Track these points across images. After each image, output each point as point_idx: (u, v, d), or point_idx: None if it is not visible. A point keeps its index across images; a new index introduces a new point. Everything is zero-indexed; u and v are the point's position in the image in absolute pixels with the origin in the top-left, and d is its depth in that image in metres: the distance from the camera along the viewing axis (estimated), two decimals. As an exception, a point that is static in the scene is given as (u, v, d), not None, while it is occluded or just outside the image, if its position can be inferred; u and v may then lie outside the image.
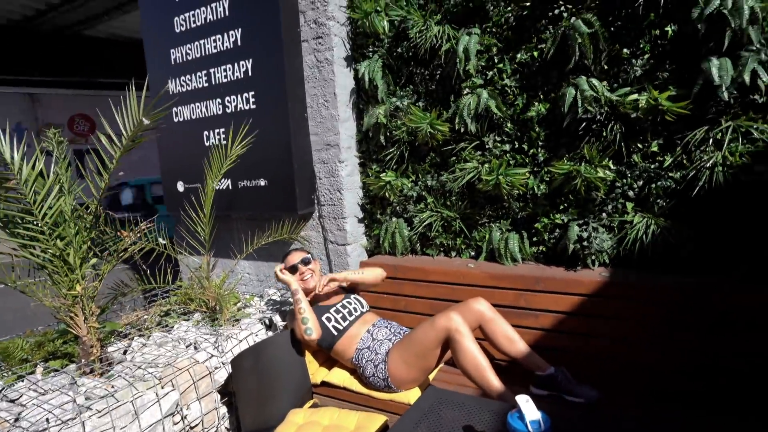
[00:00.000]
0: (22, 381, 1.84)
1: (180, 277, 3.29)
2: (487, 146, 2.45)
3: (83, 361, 1.93)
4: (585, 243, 2.21)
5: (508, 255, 2.42)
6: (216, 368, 2.03)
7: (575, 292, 2.12)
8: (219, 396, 2.03)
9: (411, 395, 2.05)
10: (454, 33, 2.41)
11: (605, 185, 2.17)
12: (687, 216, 2.04)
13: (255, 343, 1.95)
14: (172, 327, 2.41)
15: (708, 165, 1.94)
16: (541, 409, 1.18)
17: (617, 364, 2.01)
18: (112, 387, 1.83)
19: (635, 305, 2.00)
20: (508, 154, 2.42)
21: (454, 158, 2.56)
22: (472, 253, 2.60)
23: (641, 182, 2.12)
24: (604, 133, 2.15)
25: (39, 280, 1.99)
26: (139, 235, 2.19)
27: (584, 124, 2.18)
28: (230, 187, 2.95)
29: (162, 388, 1.87)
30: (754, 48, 1.84)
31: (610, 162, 2.16)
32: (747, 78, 1.83)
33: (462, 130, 2.44)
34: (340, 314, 2.23)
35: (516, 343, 2.04)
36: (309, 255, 2.35)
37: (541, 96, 2.31)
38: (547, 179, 2.32)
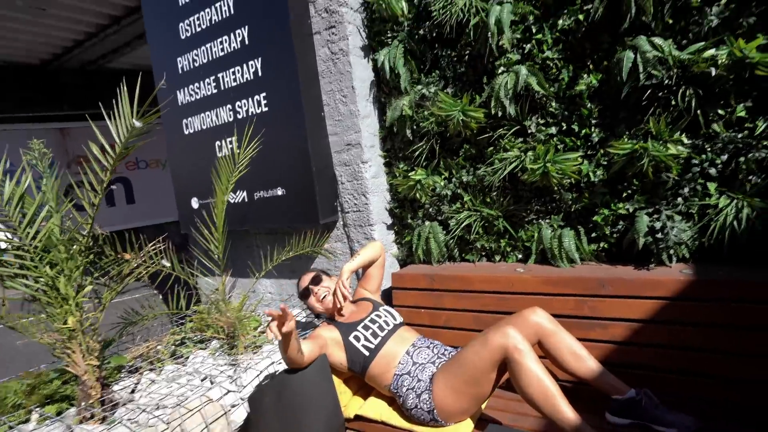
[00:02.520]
0: None
1: (195, 301, 3.06)
2: (529, 131, 2.12)
3: (82, 404, 1.69)
4: (659, 235, 1.83)
5: (564, 255, 2.06)
6: (233, 406, 1.76)
7: (652, 296, 1.75)
8: (236, 439, 1.75)
9: (462, 429, 1.71)
10: (482, 4, 2.10)
11: (678, 164, 1.80)
12: (792, 193, 1.65)
13: (277, 374, 1.67)
14: (187, 357, 2.16)
15: (815, 128, 1.55)
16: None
17: (715, 383, 1.62)
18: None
19: (729, 308, 1.61)
20: (555, 138, 2.07)
21: (491, 148, 2.23)
22: (520, 256, 2.25)
23: (726, 156, 1.74)
24: (674, 102, 1.78)
25: (35, 314, 1.78)
26: (144, 257, 1.95)
27: (648, 92, 1.82)
28: (246, 200, 2.71)
29: (170, 433, 1.61)
30: None
31: (684, 135, 1.79)
32: None
33: (499, 114, 2.11)
34: (370, 330, 1.93)
35: (585, 360, 1.69)
36: (319, 273, 2.10)
37: (591, 66, 1.97)
38: (605, 163, 1.96)
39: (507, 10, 2.02)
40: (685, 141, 1.79)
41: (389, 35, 2.43)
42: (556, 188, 2.06)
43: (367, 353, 1.88)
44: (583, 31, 1.95)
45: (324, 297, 2.03)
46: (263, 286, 2.91)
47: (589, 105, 1.97)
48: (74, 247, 1.71)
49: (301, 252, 2.44)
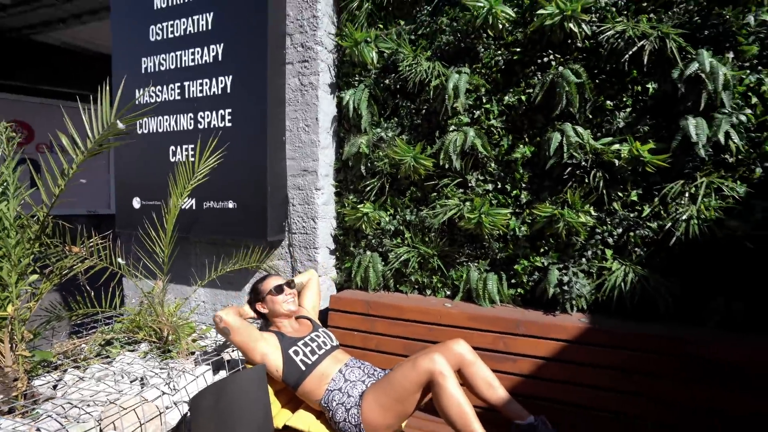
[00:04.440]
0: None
1: (123, 302, 2.97)
2: (470, 184, 2.43)
3: (1, 397, 1.63)
4: (565, 287, 2.19)
5: (486, 296, 2.36)
6: (168, 407, 1.78)
7: (556, 338, 2.07)
8: (168, 440, 1.77)
9: (384, 443, 1.88)
10: (443, 70, 2.42)
11: (586, 231, 2.19)
12: (664, 266, 2.08)
13: (217, 380, 1.73)
14: (114, 358, 2.12)
15: (684, 217, 2.00)
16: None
17: (599, 414, 1.96)
18: (38, 430, 1.54)
19: (615, 353, 1.97)
20: (490, 194, 2.41)
21: (435, 194, 2.52)
22: (448, 292, 2.52)
23: (620, 230, 2.15)
24: (587, 180, 2.18)
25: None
26: (91, 250, 1.94)
27: (569, 169, 2.21)
28: (194, 207, 2.74)
29: (101, 431, 1.60)
30: (727, 111, 1.96)
31: (592, 208, 2.19)
32: (722, 138, 1.93)
33: (446, 166, 2.41)
34: (309, 348, 2.06)
35: (496, 390, 1.95)
36: (290, 280, 2.23)
37: (527, 139, 2.34)
38: (529, 221, 2.32)
39: (464, 79, 2.36)
40: (593, 213, 2.19)
41: (357, 78, 2.68)
42: (486, 237, 2.38)
43: (303, 368, 2.00)
44: (524, 109, 2.33)
45: (291, 302, 2.15)
46: (197, 294, 2.91)
47: (521, 171, 2.33)
48: (25, 233, 1.68)
49: (245, 266, 2.52)
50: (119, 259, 2.08)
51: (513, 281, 2.39)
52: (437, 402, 1.78)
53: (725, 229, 1.94)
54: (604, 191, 2.16)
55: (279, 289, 2.16)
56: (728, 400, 1.79)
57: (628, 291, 2.09)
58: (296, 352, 2.02)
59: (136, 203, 2.92)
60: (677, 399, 1.85)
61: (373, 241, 2.65)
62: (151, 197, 2.87)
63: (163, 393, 1.80)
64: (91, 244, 2.08)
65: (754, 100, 1.95)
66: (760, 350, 1.78)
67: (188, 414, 1.78)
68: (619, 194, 2.16)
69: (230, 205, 2.65)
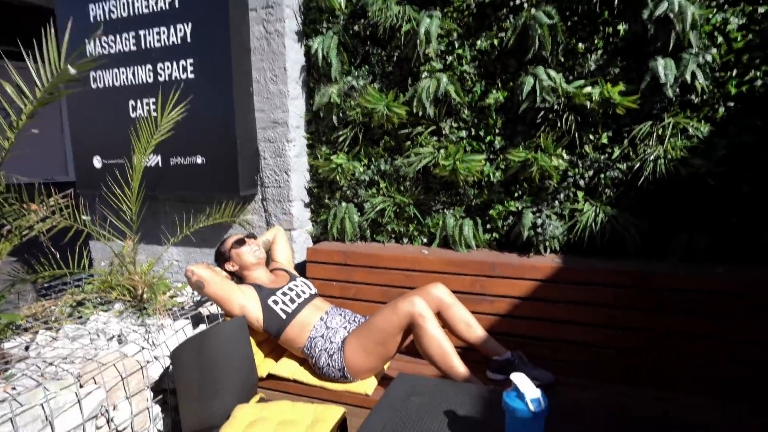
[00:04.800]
0: None
1: (92, 264, 2.88)
2: (444, 132, 2.42)
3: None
4: (539, 230, 2.25)
5: (463, 241, 2.40)
6: (148, 362, 1.77)
7: (530, 278, 2.15)
8: (152, 394, 1.76)
9: (368, 385, 1.94)
10: (414, 14, 2.35)
11: (558, 174, 2.23)
12: (632, 205, 2.16)
13: (197, 333, 1.72)
14: (87, 318, 2.07)
15: (651, 158, 2.06)
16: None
17: (571, 346, 2.06)
18: (14, 389, 1.51)
19: (586, 289, 2.06)
20: (464, 141, 2.41)
21: (409, 142, 2.50)
22: (425, 240, 2.56)
23: (591, 172, 2.21)
24: (559, 124, 2.21)
25: None
26: (53, 209, 1.85)
27: (541, 113, 2.22)
28: (160, 165, 2.63)
29: (81, 387, 1.58)
30: (694, 51, 1.99)
31: (564, 152, 2.22)
32: (688, 77, 1.97)
33: (420, 114, 2.38)
34: (288, 297, 2.06)
35: (474, 329, 2.02)
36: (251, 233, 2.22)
37: (500, 84, 2.33)
38: (503, 167, 2.34)
39: (435, 23, 2.30)
40: (565, 156, 2.23)
41: (325, 25, 2.57)
42: (461, 184, 2.39)
43: (284, 317, 2.01)
44: (496, 54, 2.30)
45: (256, 251, 2.13)
46: (170, 253, 2.84)
47: (495, 116, 2.33)
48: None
49: (220, 221, 2.46)
50: (84, 217, 1.99)
51: (488, 226, 2.43)
52: (418, 343, 1.83)
53: (689, 167, 2.01)
54: (576, 134, 2.19)
55: (240, 242, 2.15)
56: (686, 323, 1.92)
57: (598, 230, 2.17)
58: (275, 302, 2.02)
59: (97, 162, 2.77)
60: (643, 326, 1.97)
61: (348, 192, 2.63)
62: (112, 155, 2.73)
63: (143, 348, 1.78)
64: (51, 202, 1.97)
65: (720, 39, 1.99)
66: (713, 278, 1.90)
67: (170, 367, 1.77)
68: (591, 137, 2.20)
69: (199, 160, 2.56)
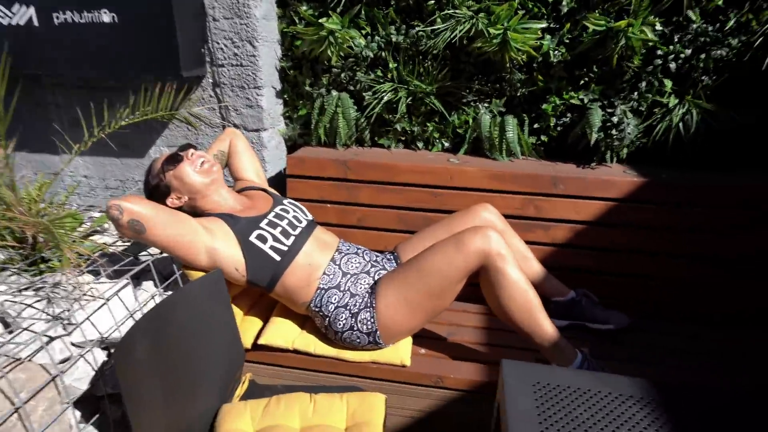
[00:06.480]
0: None
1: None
2: (487, -14, 1.66)
3: None
4: (614, 131, 1.68)
5: (504, 147, 1.78)
6: (65, 361, 1.05)
7: (602, 197, 1.62)
8: (77, 414, 1.07)
9: (402, 351, 1.39)
10: None
11: (641, 53, 1.62)
12: (738, 99, 1.62)
13: (149, 311, 1.00)
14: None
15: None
16: None
17: (650, 284, 1.63)
18: None
19: (668, 212, 1.59)
20: (516, 0, 1.67)
21: (433, 2, 1.71)
22: (447, 145, 1.90)
23: (690, 51, 1.61)
24: (659, -24, 1.54)
25: None
26: None
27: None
28: (36, 23, 1.64)
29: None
30: None
31: (658, 20, 1.59)
32: None
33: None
34: (279, 228, 1.38)
35: (531, 263, 1.55)
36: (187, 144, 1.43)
37: None
38: (567, 41, 1.67)
39: None
40: (657, 27, 1.59)
41: None
42: (507, 66, 1.71)
43: (278, 258, 1.34)
44: None
45: (203, 163, 1.37)
46: (73, 167, 1.94)
47: (564, -37, 1.60)
48: None
49: (152, 116, 1.59)
50: None
51: (535, 126, 1.81)
52: (495, 291, 1.27)
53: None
54: (682, -8, 1.55)
55: (174, 159, 1.37)
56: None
57: (691, 134, 1.63)
58: (262, 238, 1.34)
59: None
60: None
61: (341, 75, 1.84)
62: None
63: (51, 338, 1.04)
64: None
65: None
66: None
67: (108, 364, 1.08)
68: (702, -2, 1.56)
69: (105, 17, 1.60)
